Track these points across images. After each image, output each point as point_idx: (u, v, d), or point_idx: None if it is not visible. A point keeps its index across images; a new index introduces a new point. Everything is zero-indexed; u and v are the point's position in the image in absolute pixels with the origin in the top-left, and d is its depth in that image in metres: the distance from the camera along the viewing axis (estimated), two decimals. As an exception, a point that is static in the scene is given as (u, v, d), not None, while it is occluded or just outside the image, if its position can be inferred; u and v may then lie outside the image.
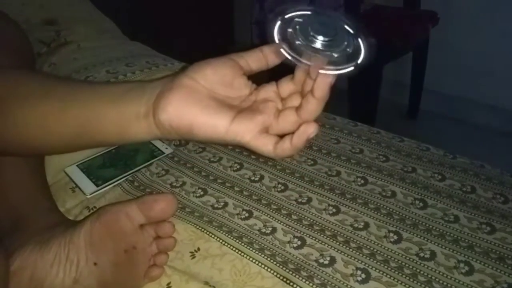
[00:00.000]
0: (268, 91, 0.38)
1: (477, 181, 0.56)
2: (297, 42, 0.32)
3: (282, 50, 0.33)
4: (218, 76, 0.36)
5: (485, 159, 0.62)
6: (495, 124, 1.63)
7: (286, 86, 0.38)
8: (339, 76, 0.32)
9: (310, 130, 0.33)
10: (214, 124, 0.35)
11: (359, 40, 0.33)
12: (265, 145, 0.35)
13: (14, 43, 0.63)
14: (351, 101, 1.44)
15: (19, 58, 0.60)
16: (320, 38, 0.32)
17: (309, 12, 0.34)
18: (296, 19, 0.34)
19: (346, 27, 0.34)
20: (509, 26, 1.51)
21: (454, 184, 0.56)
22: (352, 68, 0.32)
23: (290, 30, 0.33)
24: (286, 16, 0.34)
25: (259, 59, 0.37)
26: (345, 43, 0.33)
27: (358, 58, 0.33)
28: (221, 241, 0.50)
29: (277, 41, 0.33)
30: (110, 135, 0.39)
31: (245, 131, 0.35)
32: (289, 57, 0.33)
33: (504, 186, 0.55)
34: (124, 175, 0.61)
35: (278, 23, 0.33)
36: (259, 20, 1.33)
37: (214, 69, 0.36)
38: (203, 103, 0.35)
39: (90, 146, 0.42)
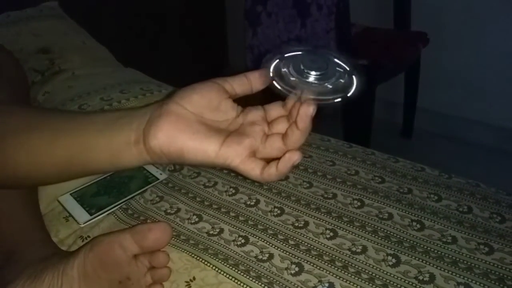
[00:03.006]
0: (255, 114, 0.39)
1: (473, 200, 0.56)
2: (292, 79, 0.34)
3: (275, 83, 0.35)
4: (205, 101, 0.37)
5: (479, 177, 0.62)
6: (489, 141, 1.64)
7: (274, 110, 0.39)
8: (336, 103, 0.34)
9: (295, 157, 0.35)
10: (204, 149, 0.35)
11: (350, 70, 0.35)
12: (253, 169, 0.36)
13: (8, 74, 0.63)
14: (345, 122, 1.44)
15: (13, 89, 0.60)
16: (313, 73, 0.34)
17: (299, 52, 0.36)
18: (289, 59, 0.36)
19: (336, 60, 0.36)
20: (498, 43, 1.53)
21: (450, 205, 0.56)
22: (347, 95, 0.34)
23: (284, 69, 0.35)
24: (280, 58, 0.36)
25: (243, 83, 0.38)
26: (337, 74, 0.35)
27: (351, 86, 0.35)
28: (217, 269, 0.49)
29: (272, 80, 0.35)
30: (102, 163, 0.40)
31: (234, 155, 0.36)
32: (284, 91, 0.34)
33: (500, 205, 0.55)
34: (118, 203, 0.61)
35: (273, 64, 0.36)
36: (252, 45, 1.35)
37: (200, 94, 0.37)
38: (192, 129, 0.36)
39: (82, 175, 0.43)
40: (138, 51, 1.60)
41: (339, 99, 0.34)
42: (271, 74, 0.35)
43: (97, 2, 1.58)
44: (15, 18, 1.05)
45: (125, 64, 1.06)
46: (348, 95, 0.34)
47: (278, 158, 0.35)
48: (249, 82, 0.38)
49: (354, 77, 0.35)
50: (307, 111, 0.34)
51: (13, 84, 0.61)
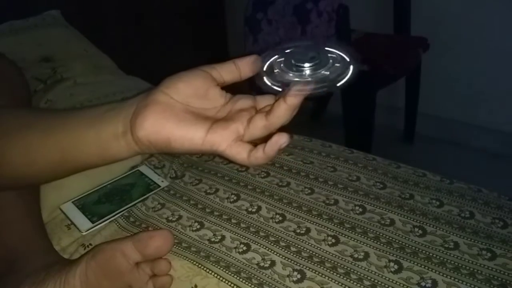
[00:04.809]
0: (245, 102, 0.38)
1: (475, 206, 0.56)
2: (287, 76, 0.33)
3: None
4: (191, 89, 0.36)
5: (481, 182, 0.62)
6: (491, 146, 1.64)
7: (265, 100, 0.38)
8: (339, 90, 0.33)
9: (282, 140, 0.33)
10: (190, 137, 0.35)
11: (341, 53, 0.35)
12: (239, 153, 0.35)
13: (9, 82, 0.64)
14: (347, 127, 1.44)
15: (14, 97, 0.60)
16: (307, 65, 0.33)
17: (286, 50, 0.35)
18: (278, 60, 0.35)
19: (326, 48, 0.35)
20: (498, 48, 1.54)
21: (452, 210, 0.56)
22: (350, 75, 0.33)
23: (276, 71, 0.34)
24: (268, 62, 0.35)
25: (232, 71, 0.37)
26: (331, 60, 0.34)
27: (349, 65, 0.34)
28: (218, 277, 0.49)
29: (270, 85, 0.34)
30: (92, 157, 0.39)
31: (221, 140, 0.35)
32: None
33: (502, 210, 0.55)
34: (120, 210, 0.61)
35: (265, 68, 0.35)
36: (253, 51, 1.36)
37: (186, 82, 0.36)
38: (179, 117, 0.35)
39: (76, 170, 0.42)
40: (138, 58, 1.60)
41: (344, 80, 0.33)
42: (269, 84, 0.34)
43: (98, 9, 1.59)
44: (18, 27, 1.05)
45: (126, 73, 1.07)
46: (350, 73, 0.33)
47: (265, 141, 0.34)
48: (238, 69, 0.37)
49: (347, 56, 0.34)
50: (303, 89, 0.33)
51: (14, 93, 0.62)
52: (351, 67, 0.34)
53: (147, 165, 0.70)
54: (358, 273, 0.48)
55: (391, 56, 1.44)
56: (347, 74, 0.33)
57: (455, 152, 1.68)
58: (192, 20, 1.96)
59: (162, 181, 0.66)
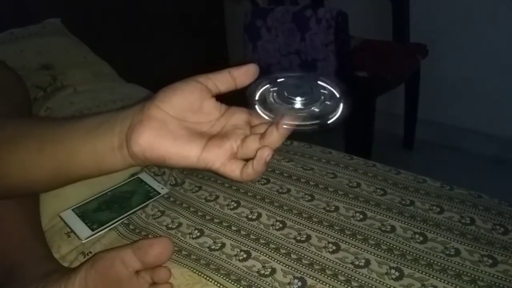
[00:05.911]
0: (239, 118, 0.38)
1: (476, 212, 0.56)
2: (278, 107, 0.34)
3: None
4: (187, 103, 0.36)
5: (481, 188, 0.62)
6: (491, 151, 1.64)
7: (259, 118, 0.38)
8: (330, 124, 0.34)
9: (265, 154, 0.34)
10: (185, 155, 0.36)
11: (335, 91, 0.35)
12: (233, 171, 0.36)
13: (10, 90, 0.64)
14: (347, 134, 1.45)
15: (14, 105, 0.60)
16: (298, 99, 0.34)
17: (281, 79, 0.36)
18: (271, 89, 0.35)
19: (321, 83, 0.36)
20: (497, 54, 1.54)
21: (453, 216, 0.56)
22: (336, 117, 0.34)
23: (269, 99, 0.35)
24: (261, 91, 0.36)
25: (227, 81, 0.37)
26: (322, 97, 0.35)
27: (338, 106, 0.35)
28: (218, 285, 0.48)
29: (262, 113, 0.34)
30: (88, 169, 0.40)
31: (215, 159, 0.36)
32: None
33: (503, 216, 0.55)
34: (120, 218, 0.60)
35: (257, 97, 0.35)
36: (252, 59, 1.36)
37: (181, 95, 0.36)
38: (174, 135, 0.35)
39: (72, 181, 0.43)
40: (138, 65, 1.61)
41: (332, 120, 0.34)
42: (260, 111, 0.34)
43: (99, 17, 1.60)
44: (18, 35, 1.06)
45: (127, 80, 1.07)
46: (337, 115, 0.34)
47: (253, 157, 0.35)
48: (233, 79, 0.37)
49: (339, 96, 0.35)
50: (292, 124, 0.34)
51: (14, 101, 0.62)
52: (341, 106, 0.34)
53: (147, 172, 0.70)
54: (359, 280, 0.48)
55: (390, 63, 1.45)
56: (336, 113, 0.34)
57: (455, 158, 1.68)
58: (192, 27, 1.97)
59: (162, 188, 0.66)
